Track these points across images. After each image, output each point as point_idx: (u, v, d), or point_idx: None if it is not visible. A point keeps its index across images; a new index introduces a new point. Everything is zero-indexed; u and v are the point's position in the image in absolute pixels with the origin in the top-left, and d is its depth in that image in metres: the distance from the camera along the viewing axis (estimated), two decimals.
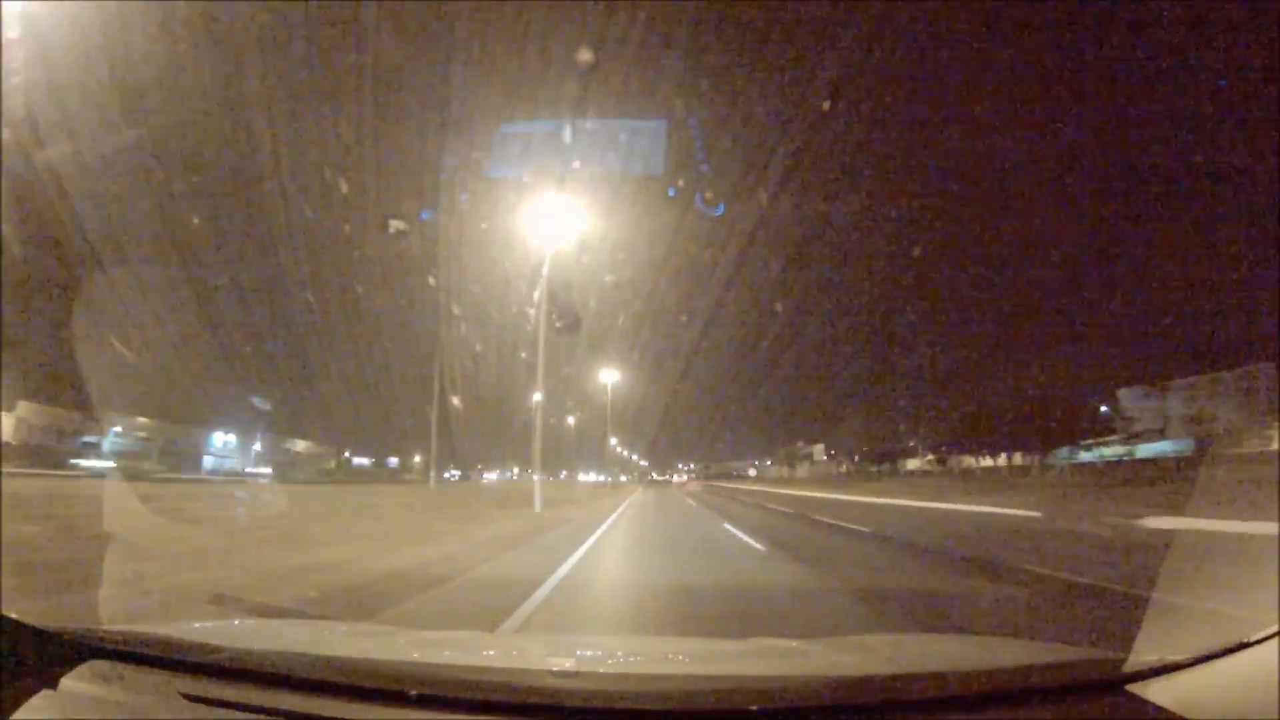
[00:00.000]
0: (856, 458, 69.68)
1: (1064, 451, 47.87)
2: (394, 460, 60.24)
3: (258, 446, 45.67)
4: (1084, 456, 48.49)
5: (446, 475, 59.42)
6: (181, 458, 40.22)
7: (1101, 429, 44.97)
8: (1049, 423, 43.12)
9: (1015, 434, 44.29)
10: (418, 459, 58.57)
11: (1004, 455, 58.86)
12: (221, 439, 44.46)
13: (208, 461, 43.23)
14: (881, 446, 56.82)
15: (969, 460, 62.61)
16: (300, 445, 51.98)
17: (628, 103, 17.95)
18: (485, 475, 61.41)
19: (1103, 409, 44.39)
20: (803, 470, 69.68)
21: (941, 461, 64.39)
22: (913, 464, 66.06)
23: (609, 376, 47.40)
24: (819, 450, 73.09)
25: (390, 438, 54.69)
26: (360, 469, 54.83)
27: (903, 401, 53.15)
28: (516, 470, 64.32)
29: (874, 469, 67.72)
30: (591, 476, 72.67)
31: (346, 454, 52.86)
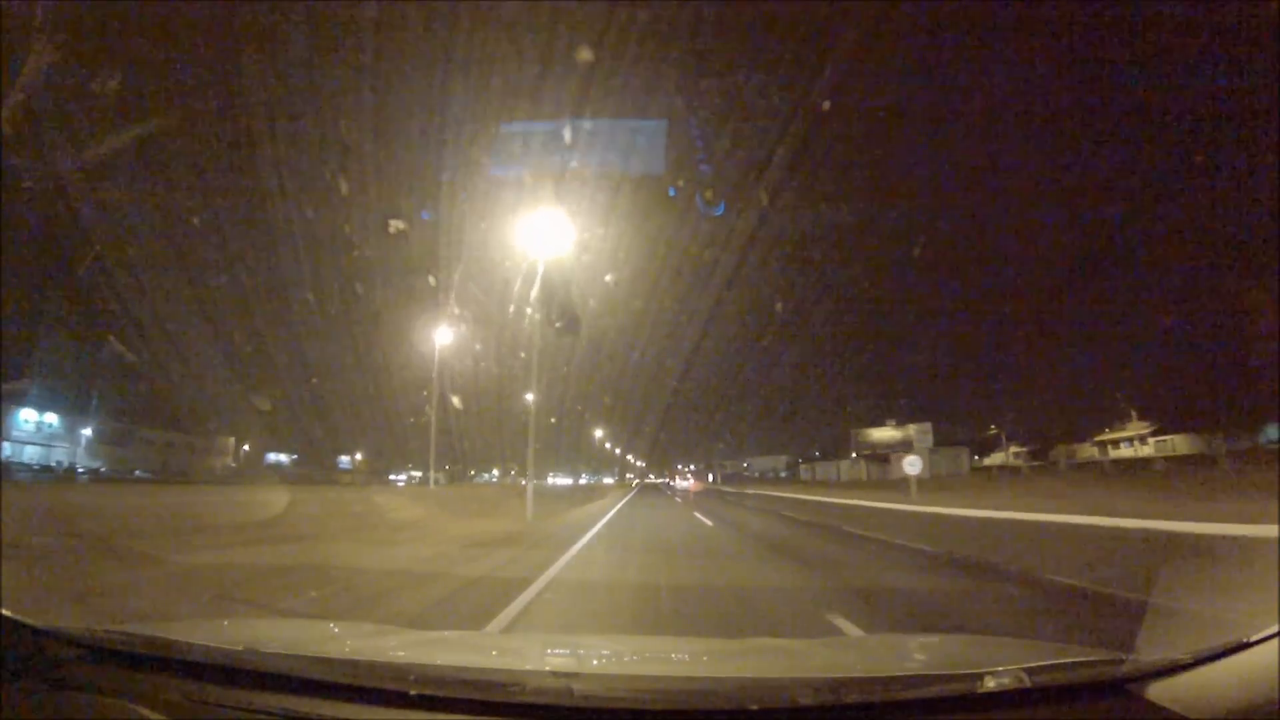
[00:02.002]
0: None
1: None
2: (345, 460, 50.22)
3: (88, 431, 30.48)
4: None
5: (406, 476, 48.19)
6: None
7: None
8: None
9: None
10: (359, 457, 48.30)
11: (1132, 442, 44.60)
12: (33, 418, 29.36)
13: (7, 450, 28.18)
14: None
15: (1088, 450, 47.97)
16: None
17: (628, 103, 16.46)
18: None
19: None
20: (913, 465, 39.41)
21: (1041, 453, 49.75)
22: (995, 458, 50.32)
23: (547, 245, 17.29)
24: (919, 433, 43.82)
25: (330, 435, 43.40)
26: (276, 466, 40.28)
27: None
28: (497, 471, 53.84)
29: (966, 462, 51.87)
30: (575, 480, 61.26)
31: (246, 448, 38.19)
